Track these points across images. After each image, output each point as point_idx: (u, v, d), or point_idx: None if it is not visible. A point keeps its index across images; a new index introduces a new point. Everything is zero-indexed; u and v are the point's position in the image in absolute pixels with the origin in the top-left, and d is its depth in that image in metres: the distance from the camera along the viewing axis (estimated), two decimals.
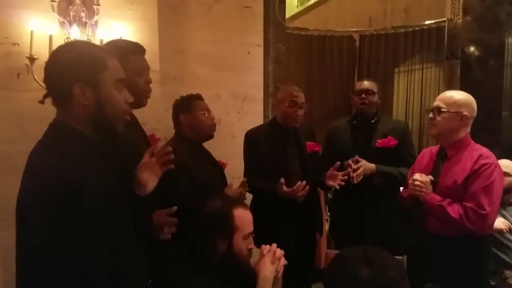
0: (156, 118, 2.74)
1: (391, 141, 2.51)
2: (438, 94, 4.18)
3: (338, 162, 2.38)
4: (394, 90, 4.85)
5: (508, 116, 3.39)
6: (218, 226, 1.47)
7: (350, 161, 2.45)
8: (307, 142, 2.57)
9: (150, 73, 1.82)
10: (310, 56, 4.76)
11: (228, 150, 2.69)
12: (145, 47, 1.79)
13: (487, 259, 2.05)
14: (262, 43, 3.30)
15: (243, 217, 1.51)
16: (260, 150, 2.49)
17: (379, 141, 2.52)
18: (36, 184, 1.03)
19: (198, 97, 2.29)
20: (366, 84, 2.63)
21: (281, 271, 1.54)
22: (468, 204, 1.85)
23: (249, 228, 1.53)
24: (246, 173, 2.55)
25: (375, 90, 2.61)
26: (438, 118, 1.98)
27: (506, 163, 2.62)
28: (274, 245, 1.58)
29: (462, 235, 1.88)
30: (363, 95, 2.58)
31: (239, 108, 3.26)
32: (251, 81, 3.28)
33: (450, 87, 4.06)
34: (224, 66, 3.17)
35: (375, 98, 2.61)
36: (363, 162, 2.45)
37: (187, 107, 2.24)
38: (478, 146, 2.01)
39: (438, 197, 1.93)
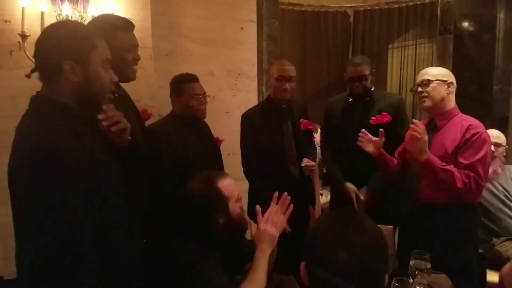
0: (150, 95, 2.75)
1: (385, 117, 2.50)
2: None
3: None
4: (388, 66, 4.87)
5: (499, 90, 3.42)
6: (213, 206, 1.51)
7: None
8: (301, 119, 2.60)
9: (142, 49, 1.83)
10: (304, 32, 4.74)
11: (223, 127, 2.71)
12: (137, 23, 1.79)
13: (476, 226, 2.12)
14: (255, 18, 3.27)
15: (228, 185, 1.56)
16: (257, 131, 2.51)
17: (373, 118, 2.52)
18: (21, 154, 1.08)
19: (191, 79, 2.28)
20: (358, 70, 2.52)
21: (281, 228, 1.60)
22: (472, 174, 1.89)
23: (236, 190, 1.59)
24: (243, 157, 2.56)
25: (367, 72, 2.54)
26: (428, 89, 2.02)
27: (497, 134, 2.68)
28: (268, 211, 1.61)
29: (453, 202, 1.94)
30: (356, 83, 2.54)
31: (233, 84, 3.25)
32: (245, 57, 3.27)
33: (443, 62, 4.08)
34: (216, 42, 3.16)
35: (369, 80, 2.56)
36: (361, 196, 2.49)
37: (178, 90, 2.27)
38: (465, 116, 2.06)
39: (439, 161, 1.95)
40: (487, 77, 3.42)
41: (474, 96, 3.51)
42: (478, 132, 1.93)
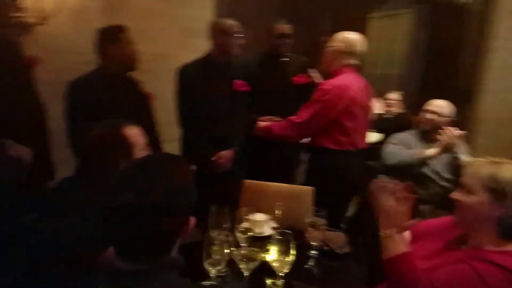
0: None
1: (306, 78, 2.77)
2: None
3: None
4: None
5: None
6: (115, 149, 1.52)
7: None
8: (235, 80, 2.59)
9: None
10: None
11: (170, 86, 2.67)
12: None
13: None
14: None
15: (134, 133, 1.58)
16: (192, 86, 2.50)
17: (295, 78, 2.72)
18: None
19: (124, 29, 2.30)
20: (289, 28, 2.71)
21: None
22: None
23: (142, 139, 1.60)
24: (178, 111, 2.59)
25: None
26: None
27: (441, 103, 2.66)
28: None
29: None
30: (287, 40, 2.73)
31: (184, 43, 3.19)
32: (198, 14, 3.19)
33: None
34: None
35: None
36: None
37: (114, 39, 2.26)
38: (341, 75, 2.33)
39: None
40: None
41: None
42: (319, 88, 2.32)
